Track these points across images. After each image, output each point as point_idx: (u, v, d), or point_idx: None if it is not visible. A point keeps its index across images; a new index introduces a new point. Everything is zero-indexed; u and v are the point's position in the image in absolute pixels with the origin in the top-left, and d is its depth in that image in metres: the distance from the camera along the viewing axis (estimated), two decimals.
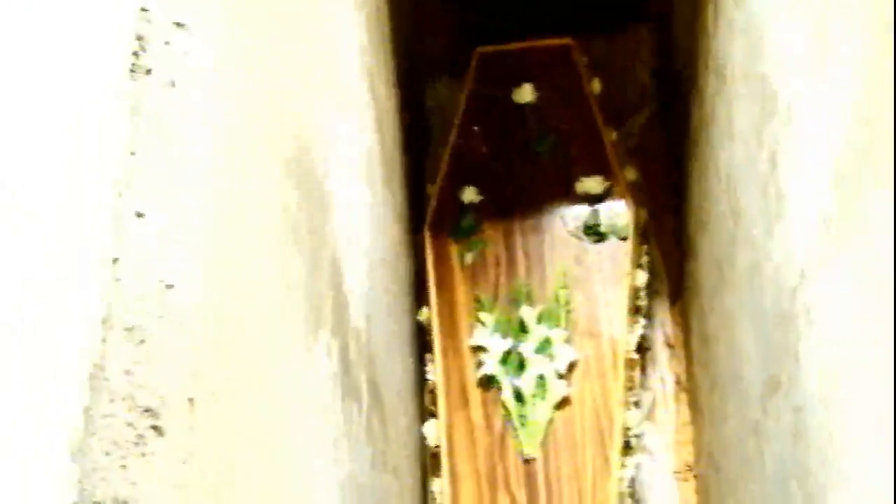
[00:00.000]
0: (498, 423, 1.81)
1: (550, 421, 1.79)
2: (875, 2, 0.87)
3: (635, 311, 1.89)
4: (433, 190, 1.97)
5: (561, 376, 1.81)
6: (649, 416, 1.97)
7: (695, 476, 1.94)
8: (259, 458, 0.90)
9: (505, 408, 1.81)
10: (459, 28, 2.23)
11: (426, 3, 2.25)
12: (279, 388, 0.99)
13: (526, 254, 1.92)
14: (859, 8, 0.92)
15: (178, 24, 0.77)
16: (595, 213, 1.92)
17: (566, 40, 2.01)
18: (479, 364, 1.84)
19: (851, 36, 0.94)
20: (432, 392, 1.84)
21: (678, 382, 2.01)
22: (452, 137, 1.98)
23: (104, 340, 0.62)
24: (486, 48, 2.03)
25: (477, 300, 1.89)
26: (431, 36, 2.26)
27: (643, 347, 1.94)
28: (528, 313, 1.86)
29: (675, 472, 1.95)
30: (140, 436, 0.64)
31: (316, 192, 1.20)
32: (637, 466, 1.83)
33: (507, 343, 1.84)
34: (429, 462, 1.83)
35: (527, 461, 1.78)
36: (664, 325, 2.05)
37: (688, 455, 1.96)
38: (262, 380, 0.93)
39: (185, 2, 0.80)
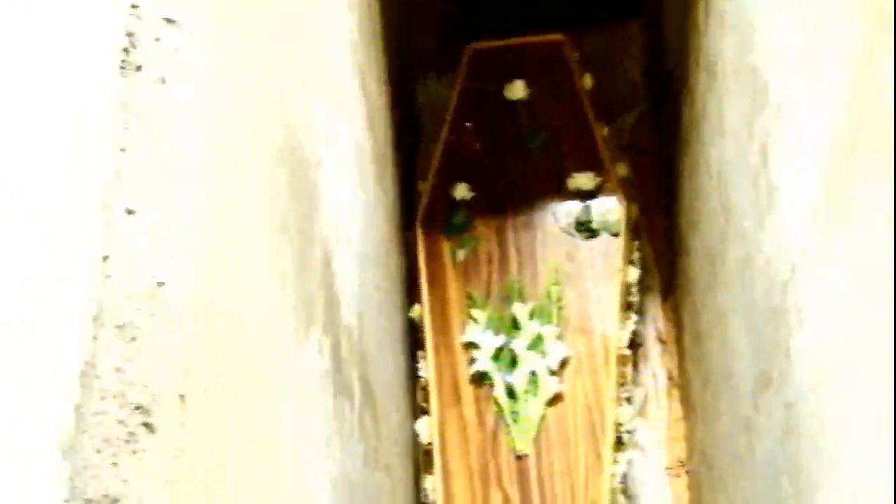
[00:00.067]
0: (490, 419, 1.81)
1: (543, 417, 1.79)
2: None
3: (627, 307, 1.89)
4: (425, 187, 1.97)
5: (553, 373, 1.81)
6: (641, 413, 1.97)
7: (687, 472, 1.95)
8: (251, 455, 0.90)
9: (497, 404, 1.81)
10: (451, 24, 2.23)
11: (417, 0, 2.25)
12: (271, 385, 0.99)
13: (518, 250, 1.92)
14: (850, 0, 0.92)
15: (169, 21, 0.77)
16: (587, 210, 1.92)
17: (557, 36, 2.01)
18: (472, 361, 1.84)
19: (842, 28, 0.94)
20: (424, 389, 1.84)
21: (670, 378, 2.02)
22: (444, 134, 1.98)
23: (95, 338, 0.62)
24: (477, 44, 2.03)
25: (469, 297, 1.89)
26: (423, 32, 2.26)
27: (635, 343, 1.94)
28: (520, 310, 1.86)
29: (667, 469, 1.96)
30: (131, 433, 0.64)
31: (307, 189, 1.19)
32: (629, 462, 1.83)
33: (500, 340, 1.84)
34: (421, 459, 1.83)
35: (519, 458, 1.78)
36: (656, 322, 2.05)
37: (680, 451, 1.96)
38: (253, 377, 0.93)
39: None
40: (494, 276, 1.91)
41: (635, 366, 1.96)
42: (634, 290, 1.93)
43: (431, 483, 1.78)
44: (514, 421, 1.79)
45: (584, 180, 1.93)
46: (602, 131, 1.98)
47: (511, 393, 1.81)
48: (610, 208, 1.92)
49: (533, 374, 1.81)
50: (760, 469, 1.33)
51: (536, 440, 1.78)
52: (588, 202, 1.93)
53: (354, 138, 1.55)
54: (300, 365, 1.11)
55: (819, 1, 1.02)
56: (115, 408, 0.63)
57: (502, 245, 1.93)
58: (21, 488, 0.55)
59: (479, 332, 1.85)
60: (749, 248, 1.35)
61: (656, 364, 2.03)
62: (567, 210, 1.93)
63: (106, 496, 0.61)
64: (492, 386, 1.82)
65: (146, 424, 0.66)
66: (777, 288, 1.20)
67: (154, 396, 0.68)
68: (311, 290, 1.17)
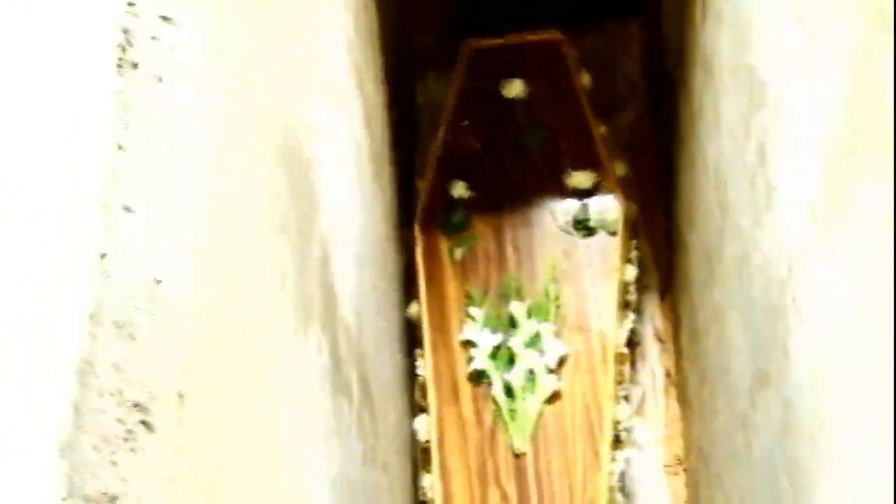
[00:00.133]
0: (488, 417, 1.81)
1: (540, 415, 1.79)
2: None
3: (625, 305, 1.90)
4: (423, 185, 1.97)
5: (551, 371, 1.81)
6: (639, 411, 1.97)
7: (684, 470, 1.95)
8: (250, 453, 0.90)
9: (495, 402, 1.81)
10: (450, 23, 2.23)
11: None
12: (270, 383, 0.99)
13: (516, 248, 1.92)
14: None
15: (165, 19, 0.77)
16: (585, 208, 1.92)
17: (556, 35, 2.01)
18: (470, 359, 1.84)
19: (841, 27, 0.94)
20: (422, 387, 1.84)
21: (668, 376, 2.02)
22: (441, 132, 1.98)
23: (93, 336, 0.62)
24: (475, 43, 2.03)
25: (467, 295, 1.89)
26: (420, 31, 2.26)
27: (633, 342, 1.94)
28: (517, 308, 1.86)
29: (665, 466, 1.96)
30: (129, 431, 0.64)
31: (305, 187, 1.19)
32: (627, 461, 1.84)
33: (497, 338, 1.84)
34: (419, 457, 1.83)
35: (517, 456, 1.78)
36: (654, 320, 2.05)
37: (677, 449, 1.97)
38: (252, 375, 0.93)
39: None
40: (492, 275, 1.91)
41: (633, 364, 1.96)
42: (632, 288, 1.93)
43: (429, 481, 1.78)
44: (512, 419, 1.79)
45: (582, 179, 1.93)
46: (600, 130, 1.98)
47: (509, 391, 1.81)
48: (608, 207, 1.92)
49: (531, 372, 1.81)
50: (758, 466, 1.33)
51: (534, 438, 1.78)
52: (586, 200, 1.93)
53: (352, 137, 1.55)
54: (299, 363, 1.12)
55: (817, 1, 1.02)
56: (114, 406, 0.63)
57: (500, 243, 1.93)
58: (19, 486, 0.55)
59: (477, 331, 1.85)
60: (746, 245, 1.35)
61: (654, 362, 2.03)
62: (565, 208, 1.93)
63: (104, 494, 0.61)
64: (490, 384, 1.82)
65: (145, 423, 0.66)
66: (774, 286, 1.20)
67: (152, 395, 0.68)
68: (309, 289, 1.17)
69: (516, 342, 1.83)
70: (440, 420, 1.80)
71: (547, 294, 1.87)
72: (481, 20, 2.15)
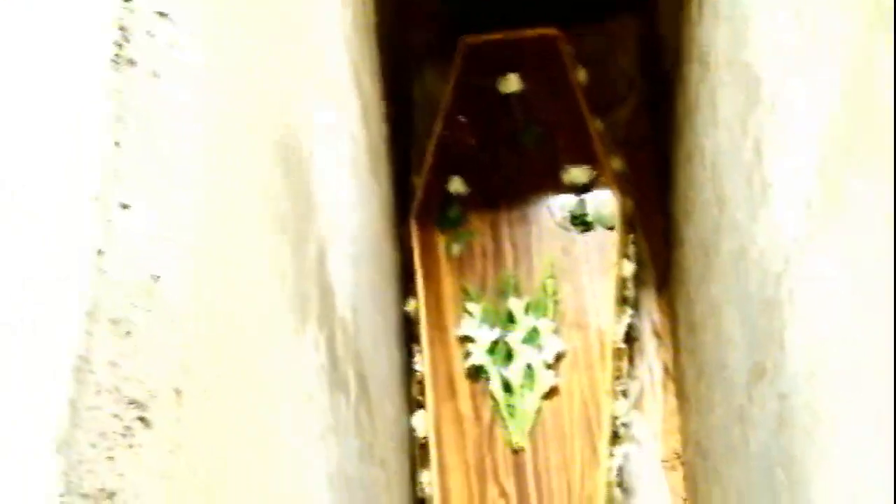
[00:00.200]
0: (486, 413, 1.81)
1: (538, 411, 1.79)
2: None
3: (622, 300, 1.90)
4: (419, 181, 1.97)
5: (549, 366, 1.81)
6: (637, 406, 1.97)
7: (682, 464, 1.95)
8: (247, 449, 0.90)
9: (493, 398, 1.81)
10: (445, 18, 2.23)
11: None
12: (267, 380, 0.99)
13: (513, 244, 1.92)
14: None
15: (162, 15, 0.77)
16: (582, 203, 1.92)
17: (552, 30, 2.01)
18: (467, 355, 1.84)
19: (837, 22, 0.95)
20: (420, 383, 1.84)
21: (666, 371, 2.02)
22: (438, 128, 1.98)
23: (89, 333, 0.62)
24: (471, 38, 2.03)
25: (464, 291, 1.89)
26: (417, 26, 2.26)
27: (631, 337, 1.95)
28: (515, 304, 1.86)
29: (663, 461, 1.96)
30: (127, 428, 0.64)
31: (302, 183, 1.19)
32: (625, 456, 1.84)
33: (495, 333, 1.84)
34: (417, 453, 1.83)
35: (515, 452, 1.78)
36: (651, 315, 2.05)
37: (675, 443, 1.97)
38: (249, 372, 0.93)
39: None
40: (489, 270, 1.91)
41: (631, 359, 1.96)
42: (630, 283, 1.93)
43: (427, 477, 1.78)
44: (510, 415, 1.79)
45: (578, 174, 1.93)
46: (596, 125, 1.98)
47: (507, 387, 1.81)
48: (605, 202, 1.92)
49: (529, 367, 1.81)
50: (755, 460, 1.33)
51: (532, 434, 1.78)
52: (583, 196, 1.93)
53: (349, 132, 1.55)
54: (296, 360, 1.12)
55: None
56: (110, 402, 0.63)
57: (497, 239, 1.93)
58: (16, 483, 0.55)
59: (475, 326, 1.85)
60: (743, 240, 1.35)
61: (652, 357, 2.03)
62: (562, 204, 1.93)
63: (102, 491, 0.61)
64: (487, 380, 1.82)
65: (142, 419, 0.66)
66: (771, 280, 1.20)
67: (149, 391, 0.68)
68: (306, 286, 1.17)
69: (514, 338, 1.83)
70: (438, 416, 1.81)
71: (544, 290, 1.87)
72: (478, 16, 2.15)
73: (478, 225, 1.94)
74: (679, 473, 1.95)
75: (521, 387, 1.80)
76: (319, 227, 1.26)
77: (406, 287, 1.93)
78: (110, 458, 0.62)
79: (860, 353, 0.88)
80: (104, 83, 0.69)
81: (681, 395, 1.97)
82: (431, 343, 1.85)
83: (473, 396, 1.82)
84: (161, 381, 0.70)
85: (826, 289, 0.99)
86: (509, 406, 1.80)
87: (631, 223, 1.98)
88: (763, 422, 1.27)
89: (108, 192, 0.66)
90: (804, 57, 1.05)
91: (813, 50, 1.02)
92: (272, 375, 1.01)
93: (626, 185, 1.97)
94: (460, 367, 1.84)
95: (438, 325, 1.86)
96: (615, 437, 1.80)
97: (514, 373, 1.81)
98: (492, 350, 1.83)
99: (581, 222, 1.91)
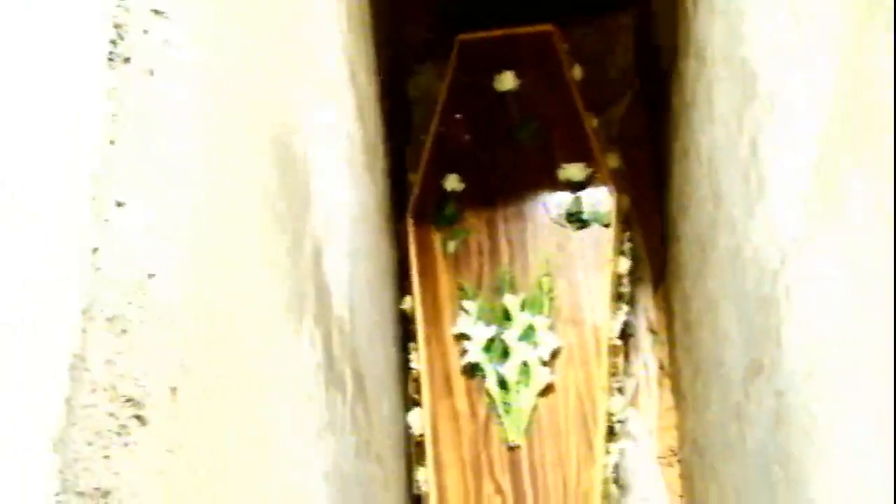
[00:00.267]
0: (482, 410, 1.81)
1: (534, 408, 1.79)
2: None
3: (618, 297, 1.90)
4: (415, 178, 1.97)
5: (545, 363, 1.81)
6: (633, 402, 1.97)
7: (679, 461, 1.95)
8: (244, 447, 0.90)
9: (489, 395, 1.81)
10: (441, 15, 2.23)
11: None
12: (264, 378, 0.99)
13: (509, 241, 1.92)
14: None
15: (157, 12, 0.76)
16: (577, 201, 1.92)
17: (547, 27, 2.01)
18: (463, 352, 1.84)
19: (832, 18, 0.94)
20: (416, 381, 1.84)
21: (661, 368, 2.02)
22: (434, 125, 1.98)
23: (85, 331, 0.62)
24: (466, 35, 2.02)
25: (460, 288, 1.89)
26: (413, 23, 2.26)
27: (626, 334, 1.95)
28: (511, 301, 1.86)
29: (659, 458, 1.96)
30: (123, 426, 0.64)
31: (299, 181, 1.19)
32: (621, 452, 1.84)
33: (491, 331, 1.84)
34: (413, 451, 1.83)
35: (511, 448, 1.78)
36: (647, 311, 2.06)
37: (671, 440, 1.97)
38: (246, 370, 0.92)
39: None
40: (485, 268, 1.91)
41: (626, 356, 1.96)
42: (625, 280, 1.93)
43: (424, 475, 1.78)
44: (506, 412, 1.79)
45: (574, 171, 1.93)
46: (592, 122, 1.98)
47: (503, 384, 1.81)
48: (600, 199, 1.92)
49: (524, 364, 1.81)
50: (751, 457, 1.34)
51: (528, 431, 1.78)
52: (579, 193, 1.93)
53: (345, 129, 1.55)
54: (293, 358, 1.11)
55: None
56: (106, 401, 0.63)
57: (493, 236, 1.93)
58: (12, 482, 0.55)
59: (471, 324, 1.85)
60: (739, 238, 1.35)
61: (647, 354, 2.03)
62: (558, 201, 1.93)
63: (98, 489, 0.60)
64: (483, 377, 1.82)
65: (138, 417, 0.66)
66: (767, 277, 1.20)
67: (145, 389, 0.67)
68: (302, 284, 1.17)
69: (510, 335, 1.83)
70: (434, 413, 1.81)
71: (540, 287, 1.87)
72: (473, 13, 2.15)
73: (474, 222, 1.94)
74: (675, 470, 1.95)
75: (517, 384, 1.80)
76: (316, 224, 1.26)
77: (402, 284, 1.92)
78: (106, 456, 0.62)
79: (859, 351, 0.88)
80: (99, 81, 0.69)
81: (677, 391, 1.97)
82: (428, 340, 1.85)
83: (469, 394, 1.82)
84: (156, 379, 0.69)
85: (824, 286, 0.99)
86: (505, 403, 1.80)
87: (627, 220, 1.98)
88: (760, 419, 1.27)
89: (104, 190, 0.66)
90: (800, 52, 1.05)
91: (809, 45, 1.02)
92: (269, 373, 1.01)
93: (621, 182, 1.97)
94: (456, 364, 1.84)
95: (435, 323, 1.86)
96: (611, 434, 1.80)
97: (510, 370, 1.81)
98: (488, 347, 1.83)
99: (577, 219, 1.91)
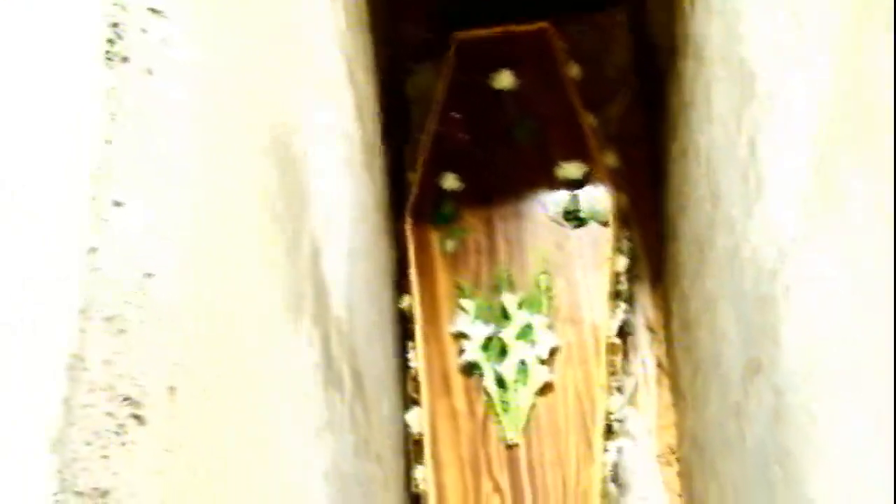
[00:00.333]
0: (480, 409, 1.81)
1: (533, 407, 1.79)
2: None
3: (616, 295, 1.90)
4: (414, 177, 1.96)
5: (543, 362, 1.81)
6: (631, 401, 1.97)
7: (678, 460, 1.95)
8: (243, 446, 0.89)
9: (487, 394, 1.81)
10: (438, 14, 2.22)
11: None
12: (262, 377, 0.99)
13: (507, 240, 1.92)
14: None
15: (155, 11, 0.76)
16: (575, 199, 1.92)
17: (544, 25, 2.01)
18: (461, 351, 1.84)
19: (830, 16, 0.94)
20: (415, 380, 1.84)
21: (660, 366, 2.02)
22: (431, 124, 1.98)
23: (82, 331, 0.62)
24: (463, 34, 2.02)
25: (458, 287, 1.89)
26: (410, 23, 2.26)
27: (625, 332, 1.94)
28: (509, 300, 1.86)
29: (658, 456, 1.96)
30: (121, 425, 0.64)
31: (297, 181, 1.19)
32: (619, 451, 1.84)
33: (489, 329, 1.84)
34: (412, 450, 1.83)
35: (509, 447, 1.78)
36: (645, 310, 2.05)
37: (670, 438, 1.97)
38: (244, 369, 0.92)
39: None
40: (483, 266, 1.91)
41: (625, 354, 1.96)
42: (623, 278, 1.93)
43: (422, 473, 1.78)
44: (505, 410, 1.79)
45: (572, 169, 1.93)
46: (590, 120, 1.98)
47: (501, 382, 1.81)
48: (598, 197, 1.92)
49: (523, 363, 1.81)
50: (750, 455, 1.34)
51: (527, 430, 1.78)
52: (576, 191, 1.93)
53: (343, 128, 1.55)
54: (291, 357, 1.11)
55: None
56: (104, 400, 0.63)
57: (491, 235, 1.93)
58: (10, 482, 0.55)
59: (469, 323, 1.85)
60: (737, 237, 1.35)
61: (646, 352, 2.03)
62: (556, 199, 1.93)
63: (96, 489, 0.60)
64: (482, 376, 1.82)
65: (136, 417, 0.66)
66: (765, 276, 1.20)
67: (143, 389, 0.67)
68: (301, 283, 1.17)
69: (508, 334, 1.83)
70: (432, 412, 1.80)
71: (538, 285, 1.87)
72: (470, 12, 2.15)
73: (472, 221, 1.93)
74: (674, 469, 1.95)
75: (516, 382, 1.80)
76: (314, 224, 1.26)
77: (401, 283, 1.92)
78: (104, 456, 0.62)
79: (859, 351, 0.88)
80: (97, 80, 0.68)
81: (675, 390, 1.97)
82: (426, 340, 1.85)
83: (468, 392, 1.82)
84: (155, 379, 0.69)
85: (823, 286, 0.99)
86: (503, 402, 1.80)
87: (625, 218, 1.98)
88: (759, 417, 1.27)
89: (102, 189, 0.66)
90: (800, 52, 1.05)
91: (809, 44, 1.02)
92: (267, 373, 1.01)
93: (619, 181, 1.97)
94: (454, 363, 1.84)
95: (433, 322, 1.86)
96: (609, 433, 1.80)
97: (508, 368, 1.81)
98: (486, 346, 1.83)
99: (575, 218, 1.91)
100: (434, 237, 1.93)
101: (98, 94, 0.68)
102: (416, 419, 1.81)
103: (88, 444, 0.61)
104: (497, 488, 1.76)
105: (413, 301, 1.87)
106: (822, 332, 1.00)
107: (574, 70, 2.00)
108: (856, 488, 0.90)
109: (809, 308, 1.04)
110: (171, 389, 0.72)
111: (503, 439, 1.78)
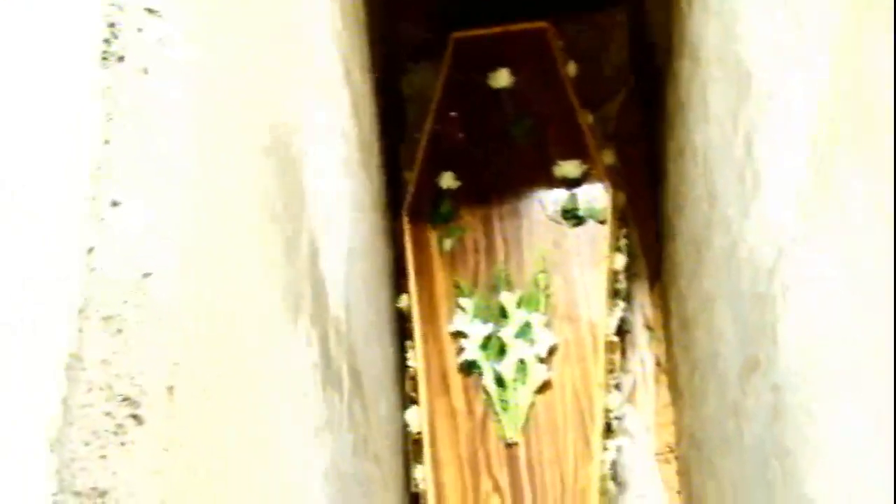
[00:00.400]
0: (479, 408, 1.81)
1: (531, 405, 1.79)
2: None
3: (614, 294, 1.90)
4: (411, 176, 1.96)
5: (541, 360, 1.81)
6: (630, 399, 1.97)
7: (676, 457, 1.95)
8: (241, 446, 0.89)
9: (486, 393, 1.81)
10: (437, 13, 2.22)
11: None
12: (260, 377, 0.99)
13: (504, 239, 1.92)
14: None
15: (150, 11, 0.76)
16: (573, 197, 1.92)
17: (541, 24, 2.01)
18: (460, 350, 1.84)
19: (824, 17, 0.94)
20: (413, 379, 1.84)
21: (658, 364, 2.02)
22: (429, 123, 1.98)
23: (81, 330, 0.62)
24: (461, 33, 2.02)
25: (456, 286, 1.89)
26: (407, 21, 2.26)
27: (623, 330, 1.95)
28: (507, 298, 1.86)
29: (657, 454, 1.96)
30: (119, 425, 0.64)
31: (295, 180, 1.19)
32: (618, 449, 1.84)
33: (488, 328, 1.84)
34: (411, 449, 1.83)
35: (508, 446, 1.78)
36: (643, 308, 2.06)
37: (669, 436, 1.97)
38: (243, 369, 0.92)
39: None
40: (481, 265, 1.91)
41: (623, 352, 1.96)
42: (621, 277, 1.93)
43: (421, 472, 1.78)
44: (503, 409, 1.79)
45: (570, 168, 1.93)
46: (587, 119, 1.98)
47: (499, 381, 1.81)
48: (596, 196, 1.92)
49: (521, 362, 1.81)
50: (749, 453, 1.34)
51: (525, 428, 1.78)
52: (574, 190, 1.93)
53: (340, 127, 1.55)
54: (289, 357, 1.11)
55: None
56: (103, 400, 0.63)
57: (489, 234, 1.93)
58: (9, 482, 0.55)
59: (467, 321, 1.85)
60: (734, 236, 1.35)
61: (644, 350, 2.03)
62: (553, 198, 1.93)
63: (95, 489, 0.60)
64: (480, 374, 1.82)
65: (134, 416, 0.66)
66: (763, 275, 1.21)
67: (142, 388, 0.67)
68: (299, 282, 1.17)
69: (506, 332, 1.83)
70: (431, 411, 1.80)
71: (536, 284, 1.87)
72: (468, 10, 2.15)
73: (469, 220, 1.94)
74: (672, 466, 1.95)
75: (514, 381, 1.80)
76: (312, 223, 1.26)
77: (398, 283, 1.92)
78: (103, 456, 0.62)
79: (857, 350, 0.88)
80: (94, 80, 0.68)
81: (673, 388, 1.97)
82: (424, 339, 1.85)
83: (466, 391, 1.82)
84: (153, 379, 0.69)
85: (822, 285, 0.99)
86: (502, 401, 1.80)
87: (622, 217, 1.98)
88: (757, 414, 1.27)
89: (100, 189, 0.66)
90: (799, 52, 1.05)
91: (808, 44, 1.02)
92: (266, 373, 1.01)
93: (617, 179, 1.97)
94: (453, 362, 1.84)
95: (431, 321, 1.86)
96: (608, 431, 1.80)
97: (507, 367, 1.81)
98: (484, 345, 1.83)
99: (573, 216, 1.91)
100: (432, 236, 1.93)
101: (95, 94, 0.68)
102: (415, 418, 1.81)
103: (87, 443, 0.61)
104: (496, 487, 1.76)
105: (411, 300, 1.87)
106: (821, 331, 1.00)
107: (571, 69, 2.00)
108: (855, 487, 0.90)
109: (808, 307, 1.05)
110: (170, 389, 0.72)
111: (502, 438, 1.78)
